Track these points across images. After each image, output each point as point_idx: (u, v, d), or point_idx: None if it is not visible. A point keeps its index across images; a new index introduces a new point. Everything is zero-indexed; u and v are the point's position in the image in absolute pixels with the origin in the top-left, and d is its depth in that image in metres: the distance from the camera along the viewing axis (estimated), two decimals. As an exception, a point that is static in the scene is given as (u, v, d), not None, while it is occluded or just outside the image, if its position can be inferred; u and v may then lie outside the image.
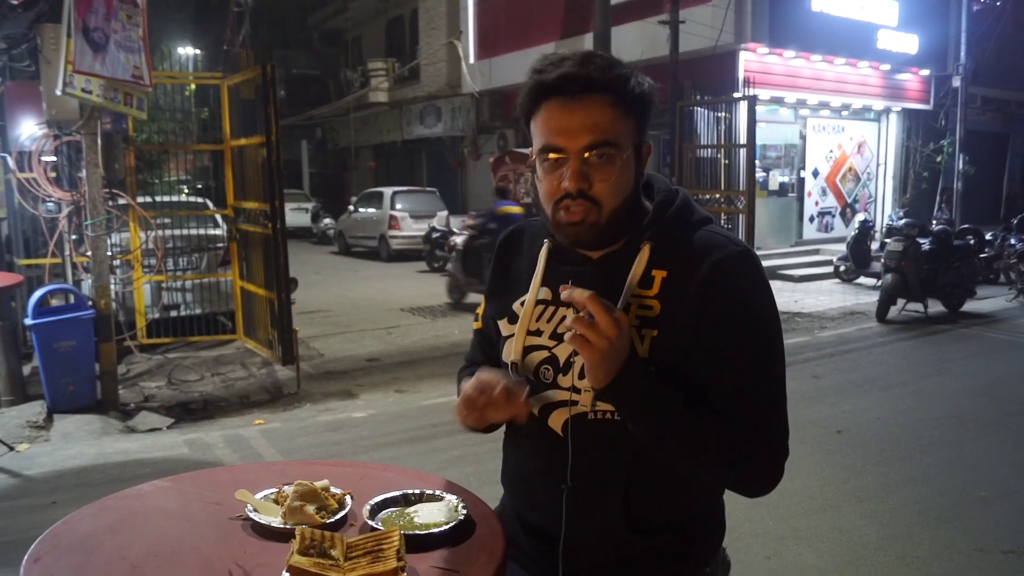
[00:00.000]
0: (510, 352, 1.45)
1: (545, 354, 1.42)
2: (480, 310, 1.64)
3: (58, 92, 5.47)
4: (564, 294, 1.22)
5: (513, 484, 1.57)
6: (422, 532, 1.35)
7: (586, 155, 1.29)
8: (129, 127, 7.77)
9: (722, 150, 10.44)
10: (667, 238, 1.36)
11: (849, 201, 16.08)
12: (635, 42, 13.73)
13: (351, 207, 19.54)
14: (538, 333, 1.43)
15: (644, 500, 1.38)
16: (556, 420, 1.40)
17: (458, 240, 10.92)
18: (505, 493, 1.60)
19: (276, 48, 27.24)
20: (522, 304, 1.47)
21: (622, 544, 1.39)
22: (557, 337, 1.40)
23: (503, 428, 1.57)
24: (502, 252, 1.60)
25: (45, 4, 6.29)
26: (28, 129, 6.87)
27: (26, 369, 6.66)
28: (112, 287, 6.65)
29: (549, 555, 1.43)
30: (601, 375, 1.22)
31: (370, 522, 1.38)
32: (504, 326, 1.50)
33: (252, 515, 1.41)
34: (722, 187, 10.46)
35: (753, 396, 1.32)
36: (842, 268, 12.75)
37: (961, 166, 15.64)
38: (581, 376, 1.34)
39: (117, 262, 7.77)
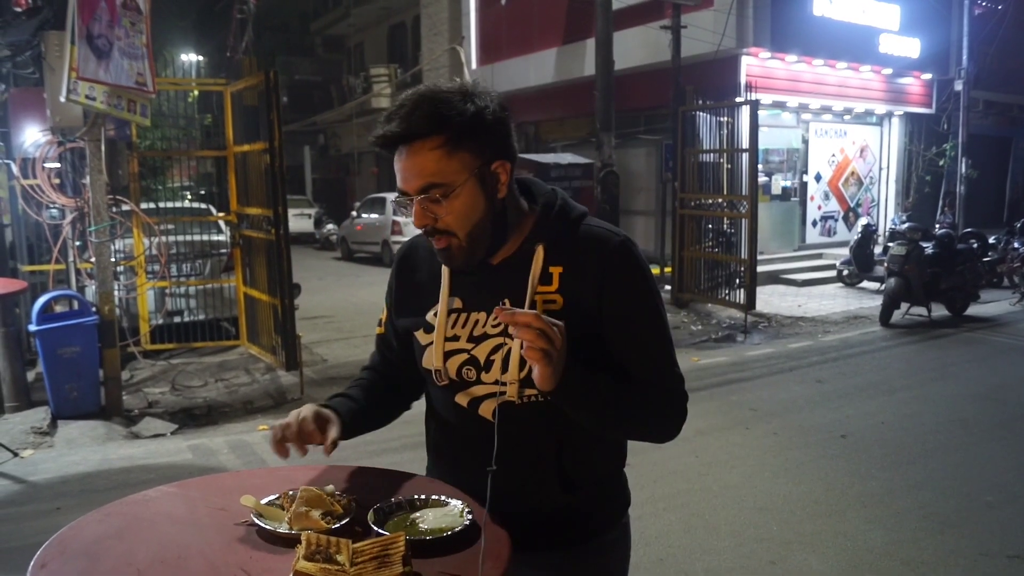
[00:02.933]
0: (431, 360, 1.57)
1: (465, 356, 1.54)
2: (383, 316, 1.76)
3: (62, 99, 5.49)
4: (503, 316, 1.29)
5: (440, 457, 1.71)
6: (428, 537, 1.35)
7: (421, 197, 1.43)
8: (133, 133, 7.79)
9: (724, 154, 10.41)
10: (556, 236, 1.52)
11: (852, 205, 16.08)
12: (637, 47, 13.76)
13: (354, 213, 19.57)
14: (455, 339, 1.55)
15: (574, 462, 1.56)
16: (486, 409, 1.53)
17: None
18: (430, 460, 1.74)
19: (279, 54, 27.36)
20: (435, 315, 1.58)
21: (552, 501, 1.55)
22: (475, 340, 1.53)
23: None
24: (401, 266, 1.72)
25: (49, 11, 6.31)
26: (32, 136, 6.89)
27: (30, 375, 6.66)
28: (116, 293, 6.66)
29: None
30: (552, 380, 1.33)
31: (376, 527, 1.38)
32: (421, 336, 1.61)
33: (258, 521, 1.42)
34: (724, 191, 10.43)
35: (657, 361, 1.52)
36: (845, 272, 12.74)
37: (964, 170, 15.62)
38: (504, 371, 1.49)
39: (121, 268, 7.78)
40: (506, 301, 1.46)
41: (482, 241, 1.48)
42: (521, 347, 1.34)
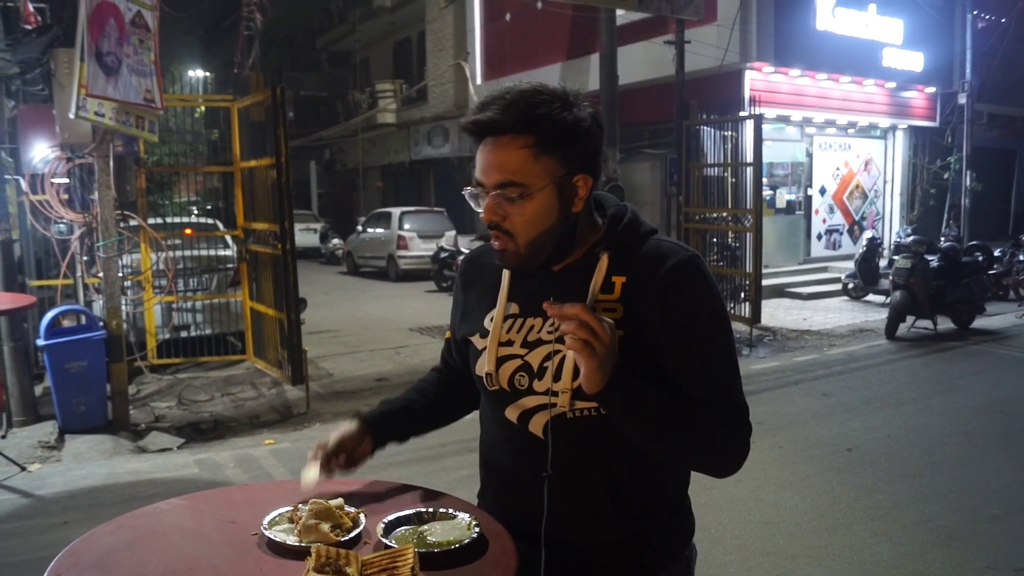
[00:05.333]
0: (483, 365, 1.53)
1: (519, 362, 1.50)
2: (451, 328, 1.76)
3: (71, 115, 5.54)
4: (552, 310, 1.28)
5: (496, 496, 1.62)
6: (436, 550, 1.37)
7: (496, 192, 1.41)
8: (140, 149, 7.85)
9: (729, 168, 10.44)
10: (622, 248, 1.48)
11: (856, 218, 16.07)
12: (641, 62, 13.81)
13: (359, 227, 19.63)
14: (509, 344, 1.52)
15: (629, 487, 1.48)
16: (536, 424, 1.48)
17: None
18: (482, 476, 1.68)
19: (285, 70, 27.52)
20: (491, 320, 1.56)
21: (610, 530, 1.48)
22: (528, 345, 1.49)
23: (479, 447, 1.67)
24: (464, 274, 1.70)
25: (59, 29, 6.38)
26: (41, 152, 6.94)
27: (38, 389, 6.69)
28: (123, 308, 6.69)
29: (538, 558, 1.48)
30: (598, 380, 1.30)
31: (384, 540, 1.40)
32: (477, 341, 1.58)
33: (267, 533, 1.43)
34: (729, 205, 10.44)
35: (717, 383, 1.44)
36: (850, 285, 12.73)
37: (968, 182, 15.63)
38: (556, 379, 1.44)
39: (128, 283, 7.82)
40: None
41: (542, 252, 1.45)
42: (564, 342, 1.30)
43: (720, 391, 1.44)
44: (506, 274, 1.56)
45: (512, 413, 1.51)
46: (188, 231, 8.37)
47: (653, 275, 1.44)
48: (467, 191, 1.47)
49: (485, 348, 1.54)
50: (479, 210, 1.45)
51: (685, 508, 1.62)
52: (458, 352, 1.70)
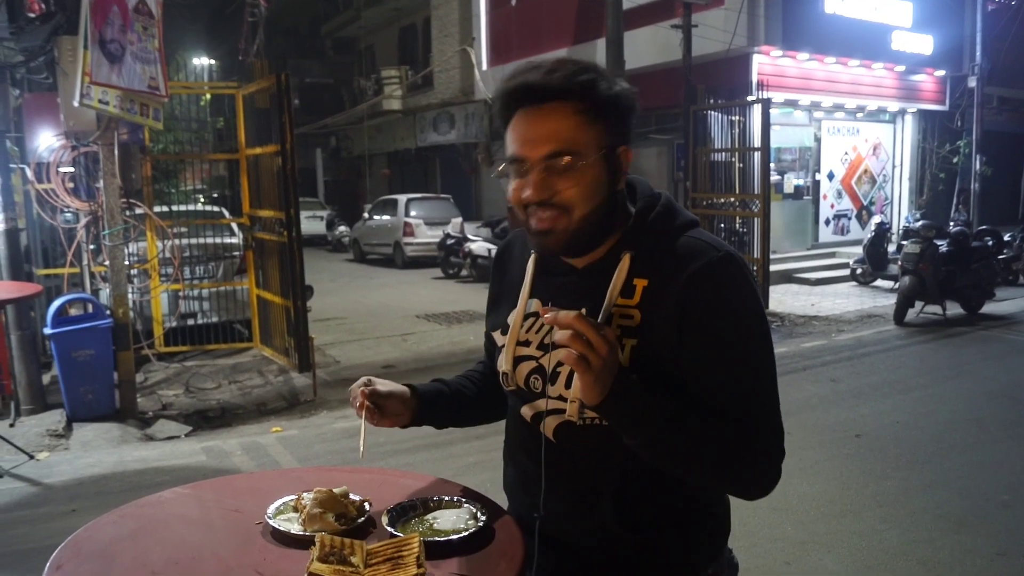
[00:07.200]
0: (503, 363, 1.48)
1: (533, 364, 1.44)
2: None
3: (75, 103, 5.52)
4: (547, 316, 1.19)
5: (513, 490, 1.60)
6: (442, 538, 1.35)
7: (547, 164, 1.30)
8: (145, 137, 7.82)
9: (736, 153, 10.40)
10: (649, 245, 1.37)
11: (865, 203, 15.99)
12: (648, 46, 13.73)
13: (366, 215, 19.63)
14: (527, 344, 1.45)
15: (638, 498, 1.39)
16: (548, 427, 1.42)
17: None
18: (509, 500, 1.61)
19: (290, 57, 27.25)
20: (513, 317, 1.50)
21: (616, 542, 1.40)
22: (544, 347, 1.42)
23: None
24: (497, 264, 1.63)
25: (62, 17, 6.35)
26: (46, 140, 6.92)
27: (45, 378, 6.70)
28: (130, 296, 6.69)
29: (542, 558, 1.45)
30: (596, 392, 1.20)
31: (389, 529, 1.38)
32: (498, 337, 1.53)
33: (271, 522, 1.42)
34: (737, 190, 10.41)
35: (744, 400, 1.30)
36: (859, 271, 12.67)
37: (978, 167, 15.51)
38: (567, 386, 1.37)
39: (134, 271, 7.82)
40: (583, 310, 1.25)
41: (591, 227, 1.33)
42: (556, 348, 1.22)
43: (749, 409, 1.30)
44: (530, 269, 1.49)
45: (527, 412, 1.46)
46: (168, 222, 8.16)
47: (676, 278, 1.31)
48: (499, 171, 1.36)
49: (504, 345, 1.49)
50: (523, 191, 1.33)
51: (714, 520, 1.48)
52: (489, 343, 1.63)
